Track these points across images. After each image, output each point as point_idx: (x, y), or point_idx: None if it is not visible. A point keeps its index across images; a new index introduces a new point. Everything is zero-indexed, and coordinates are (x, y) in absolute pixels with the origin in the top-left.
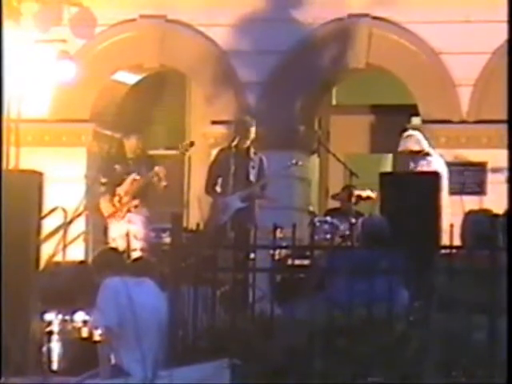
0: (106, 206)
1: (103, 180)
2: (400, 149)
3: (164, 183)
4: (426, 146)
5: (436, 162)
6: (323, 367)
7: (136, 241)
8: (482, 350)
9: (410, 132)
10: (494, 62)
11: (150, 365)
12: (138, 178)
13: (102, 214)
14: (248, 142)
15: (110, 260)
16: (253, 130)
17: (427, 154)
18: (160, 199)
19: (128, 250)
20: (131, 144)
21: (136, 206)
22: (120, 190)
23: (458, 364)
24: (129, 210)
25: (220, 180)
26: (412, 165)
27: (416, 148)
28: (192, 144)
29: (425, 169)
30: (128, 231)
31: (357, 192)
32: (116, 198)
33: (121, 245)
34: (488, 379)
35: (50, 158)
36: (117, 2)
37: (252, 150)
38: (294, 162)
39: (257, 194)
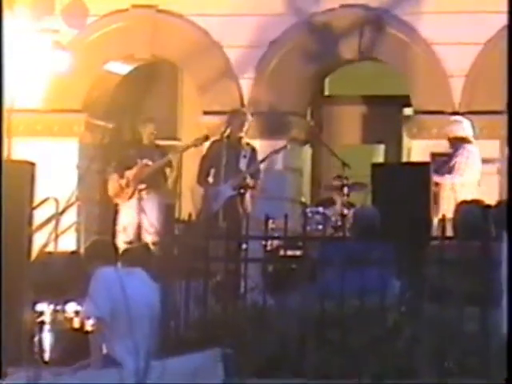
0: (112, 186)
1: (113, 164)
2: (446, 131)
3: (175, 173)
4: (470, 135)
5: (476, 154)
6: (315, 357)
7: (147, 234)
8: (473, 341)
9: (458, 118)
10: (486, 52)
11: (142, 355)
12: (149, 163)
13: (98, 202)
14: (241, 134)
15: (101, 250)
16: (248, 121)
17: (469, 142)
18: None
19: (138, 240)
20: (147, 131)
21: (140, 190)
22: (129, 174)
23: (450, 354)
24: (140, 198)
25: (212, 171)
26: (452, 151)
27: (460, 134)
28: (207, 138)
29: (463, 157)
30: (140, 221)
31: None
32: (124, 181)
33: (131, 234)
34: (480, 369)
35: (42, 148)
36: None
37: (244, 141)
38: (283, 145)
39: (248, 184)
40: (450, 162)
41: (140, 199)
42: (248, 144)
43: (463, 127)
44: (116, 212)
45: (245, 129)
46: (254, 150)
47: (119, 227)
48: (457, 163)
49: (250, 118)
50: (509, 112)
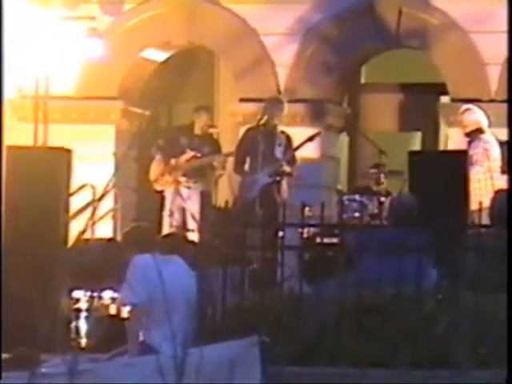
0: (154, 170)
1: (160, 142)
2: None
3: (221, 172)
4: (483, 122)
5: (491, 142)
6: (352, 345)
7: (193, 220)
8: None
9: (469, 105)
10: None
11: (179, 342)
12: (198, 155)
13: (134, 189)
14: (276, 121)
15: (140, 237)
16: (284, 108)
17: (482, 132)
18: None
19: (184, 227)
20: (200, 120)
21: (179, 183)
22: (174, 162)
23: (486, 342)
24: (188, 187)
25: (248, 159)
26: (468, 143)
27: (473, 123)
28: (319, 133)
29: (479, 148)
30: (184, 208)
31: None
32: (167, 168)
33: (177, 219)
34: None
35: (78, 135)
36: None
37: (279, 128)
38: (317, 132)
39: (285, 171)
40: (468, 154)
41: (187, 187)
42: (283, 132)
43: (476, 116)
44: (162, 197)
45: (280, 116)
46: (288, 137)
47: (165, 212)
48: (474, 155)
49: (285, 105)
50: (509, 106)
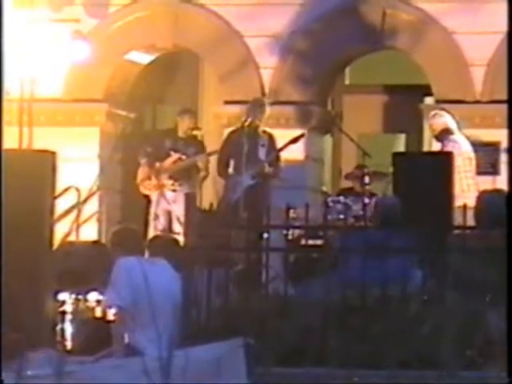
0: (140, 175)
1: (147, 149)
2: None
3: (205, 173)
4: (453, 126)
5: (461, 143)
6: (337, 347)
7: (179, 224)
8: (496, 329)
9: (437, 111)
10: (507, 41)
11: (164, 344)
12: (183, 157)
13: (119, 191)
14: (259, 122)
15: (127, 238)
16: (267, 110)
17: (450, 133)
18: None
19: (170, 230)
20: (183, 123)
21: (171, 184)
22: (159, 165)
23: (473, 343)
24: (174, 190)
25: (232, 161)
26: (439, 145)
27: (442, 126)
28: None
29: (449, 147)
30: (170, 211)
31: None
32: (153, 171)
33: (163, 223)
34: (502, 358)
35: (63, 137)
36: None
37: (261, 129)
38: (300, 134)
39: (269, 173)
40: None
41: (173, 190)
42: (265, 132)
43: (444, 120)
44: (148, 201)
45: (263, 116)
46: (271, 136)
47: (151, 216)
48: None
49: (268, 107)
50: (509, 106)
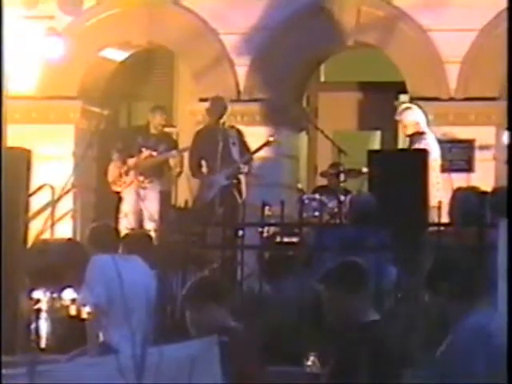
0: (112, 172)
1: (119, 146)
2: (397, 118)
3: (179, 169)
4: (422, 122)
5: (431, 140)
6: (311, 343)
7: (150, 221)
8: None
9: (408, 104)
10: (481, 39)
11: (138, 342)
12: (154, 154)
13: (94, 189)
14: (222, 120)
15: (103, 235)
16: (228, 107)
17: (422, 133)
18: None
19: (141, 228)
20: (155, 120)
21: (141, 180)
22: (131, 162)
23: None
24: (144, 187)
25: (204, 161)
26: (410, 142)
27: (411, 120)
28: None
29: (421, 145)
30: (141, 209)
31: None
32: (124, 168)
33: (132, 221)
34: None
35: (37, 135)
36: None
37: (226, 125)
38: (267, 141)
39: (242, 171)
40: None
41: (143, 187)
42: (232, 127)
43: (415, 116)
44: (119, 199)
45: (225, 114)
46: (239, 132)
47: (121, 214)
48: None
49: (228, 104)
50: (509, 101)
